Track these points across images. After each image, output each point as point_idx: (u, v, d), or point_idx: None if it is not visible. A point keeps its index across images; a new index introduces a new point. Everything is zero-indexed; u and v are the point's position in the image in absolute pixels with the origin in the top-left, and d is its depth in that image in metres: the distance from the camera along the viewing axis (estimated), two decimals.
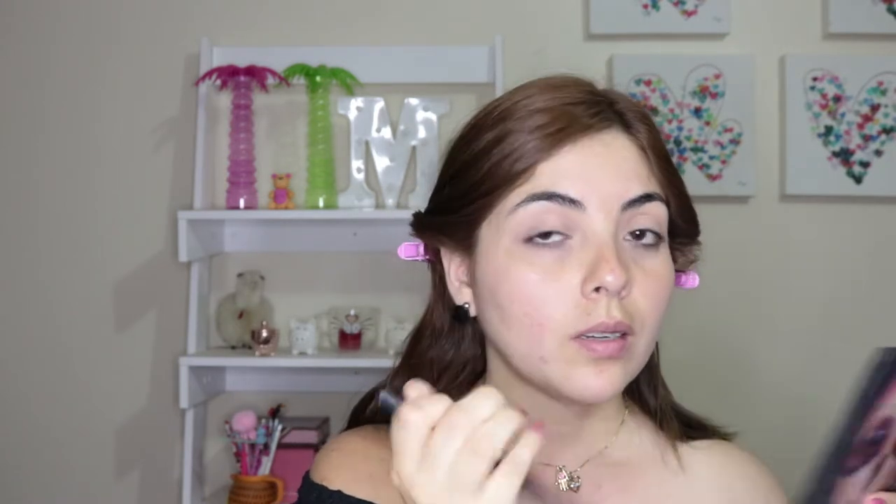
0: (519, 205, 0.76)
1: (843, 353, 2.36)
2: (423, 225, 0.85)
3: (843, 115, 2.36)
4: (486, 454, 0.63)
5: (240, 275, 2.32)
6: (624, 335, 0.75)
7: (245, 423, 2.15)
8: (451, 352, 0.88)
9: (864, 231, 2.39)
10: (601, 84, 0.84)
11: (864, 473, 0.61)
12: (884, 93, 2.36)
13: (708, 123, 2.37)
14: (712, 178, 2.36)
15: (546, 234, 0.76)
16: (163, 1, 2.40)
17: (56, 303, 2.39)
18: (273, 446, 2.17)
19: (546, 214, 0.76)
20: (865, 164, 2.36)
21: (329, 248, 2.36)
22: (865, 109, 2.36)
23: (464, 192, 0.80)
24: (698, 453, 0.88)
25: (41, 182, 2.40)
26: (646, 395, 0.89)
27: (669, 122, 2.37)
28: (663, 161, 0.81)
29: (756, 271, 2.38)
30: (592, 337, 0.75)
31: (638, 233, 0.78)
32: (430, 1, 2.40)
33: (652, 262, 0.78)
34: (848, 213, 2.38)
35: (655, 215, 0.78)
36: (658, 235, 0.79)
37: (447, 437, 0.63)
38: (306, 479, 0.85)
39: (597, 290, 0.74)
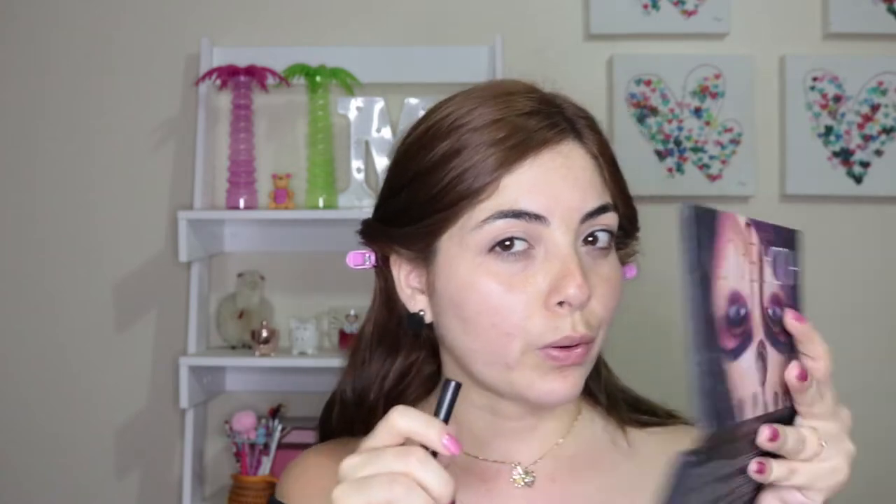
0: (484, 221, 0.77)
1: (843, 353, 2.36)
2: (375, 233, 0.86)
3: (843, 115, 2.36)
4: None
5: (240, 275, 2.32)
6: (587, 342, 0.78)
7: (245, 423, 2.16)
8: (396, 356, 0.90)
9: (864, 231, 2.39)
10: (545, 87, 0.85)
11: (747, 360, 0.59)
12: (884, 93, 2.36)
13: (708, 123, 2.37)
14: (712, 178, 2.36)
15: (510, 244, 0.77)
16: (163, 1, 2.40)
17: (56, 303, 2.39)
18: (273, 446, 2.17)
19: (510, 229, 0.77)
20: (865, 164, 2.36)
21: (329, 248, 2.36)
22: (865, 109, 2.36)
23: (421, 205, 0.80)
24: (652, 436, 0.89)
25: (41, 182, 2.40)
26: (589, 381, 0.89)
27: (669, 122, 2.37)
28: (612, 167, 0.83)
29: None
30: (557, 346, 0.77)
31: (591, 238, 0.80)
32: (430, 1, 2.40)
33: (605, 268, 0.80)
34: (848, 213, 2.38)
35: (608, 224, 0.81)
36: (610, 239, 0.81)
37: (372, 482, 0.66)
38: (270, 497, 0.90)
39: (560, 303, 0.76)
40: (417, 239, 0.81)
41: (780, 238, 0.65)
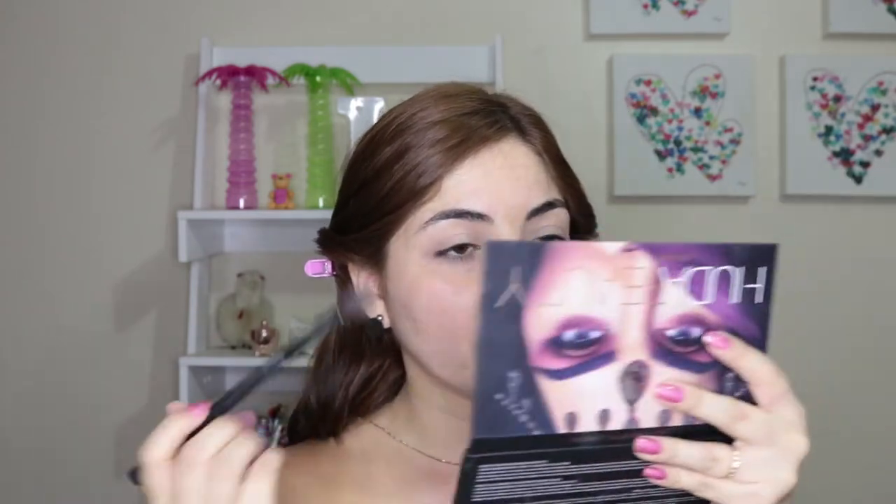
0: (428, 222, 0.77)
1: (843, 353, 2.36)
2: (330, 242, 0.86)
3: (843, 115, 2.36)
4: (228, 477, 0.66)
5: (240, 275, 2.32)
6: None
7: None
8: (360, 363, 0.90)
9: (864, 231, 2.39)
10: (491, 89, 0.85)
11: (595, 378, 0.62)
12: (884, 93, 2.36)
13: (708, 123, 2.37)
14: (712, 178, 2.36)
15: (456, 248, 0.77)
16: (163, 1, 2.41)
17: (56, 303, 2.39)
18: (273, 446, 2.16)
19: (454, 230, 0.77)
20: (865, 164, 2.36)
21: None
22: (865, 109, 2.36)
23: (369, 210, 0.81)
24: None
25: (41, 182, 2.40)
26: None
27: (669, 121, 2.37)
28: (559, 164, 0.83)
29: None
30: None
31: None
32: (430, 1, 2.40)
33: None
34: (848, 213, 2.38)
35: (557, 221, 0.80)
36: (560, 239, 0.80)
37: (187, 475, 0.66)
38: None
39: None
40: (367, 244, 0.82)
41: (715, 257, 0.64)
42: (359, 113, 2.31)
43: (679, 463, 0.64)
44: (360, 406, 0.89)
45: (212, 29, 2.37)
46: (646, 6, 2.37)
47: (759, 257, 0.66)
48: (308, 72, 2.27)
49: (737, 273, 0.65)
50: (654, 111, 2.37)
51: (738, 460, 0.64)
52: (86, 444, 2.38)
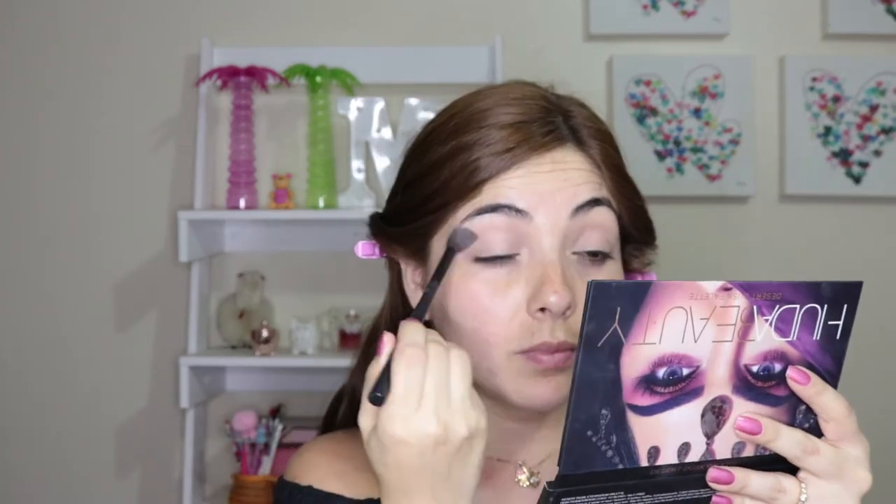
0: (466, 219, 0.77)
1: None
2: (378, 230, 0.87)
3: (842, 115, 2.37)
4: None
5: (240, 275, 2.32)
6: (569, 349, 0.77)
7: (245, 422, 2.16)
8: None
9: (863, 231, 2.39)
10: (561, 90, 0.85)
11: (679, 414, 0.63)
12: (883, 93, 2.36)
13: (707, 124, 2.37)
14: (712, 178, 2.37)
15: (497, 257, 0.77)
16: (163, 1, 2.41)
17: (57, 303, 2.39)
18: (273, 446, 2.17)
19: (494, 230, 0.76)
20: (864, 165, 2.36)
21: (329, 248, 2.36)
22: (864, 110, 2.37)
23: (415, 206, 0.81)
24: None
25: (41, 182, 2.40)
26: None
27: (669, 122, 2.37)
28: (616, 174, 0.82)
29: (755, 271, 2.38)
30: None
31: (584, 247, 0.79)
32: (430, 1, 2.40)
33: (599, 275, 0.79)
34: (847, 213, 2.39)
35: (603, 224, 0.79)
36: (604, 254, 0.79)
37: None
38: (279, 479, 0.89)
39: (542, 309, 0.75)
40: (412, 239, 0.83)
41: (803, 295, 0.65)
42: (359, 113, 2.31)
43: (749, 493, 0.66)
44: None
45: (212, 29, 2.37)
46: (645, 7, 2.37)
47: (844, 295, 0.67)
48: (308, 72, 2.27)
49: (822, 310, 0.66)
50: (654, 111, 2.37)
51: (806, 493, 0.66)
52: (86, 444, 2.38)
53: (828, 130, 2.37)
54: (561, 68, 2.36)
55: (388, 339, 0.70)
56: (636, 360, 0.62)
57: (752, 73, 2.37)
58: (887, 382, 2.36)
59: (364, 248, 0.89)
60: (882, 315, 2.37)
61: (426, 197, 0.80)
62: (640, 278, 0.87)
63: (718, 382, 0.65)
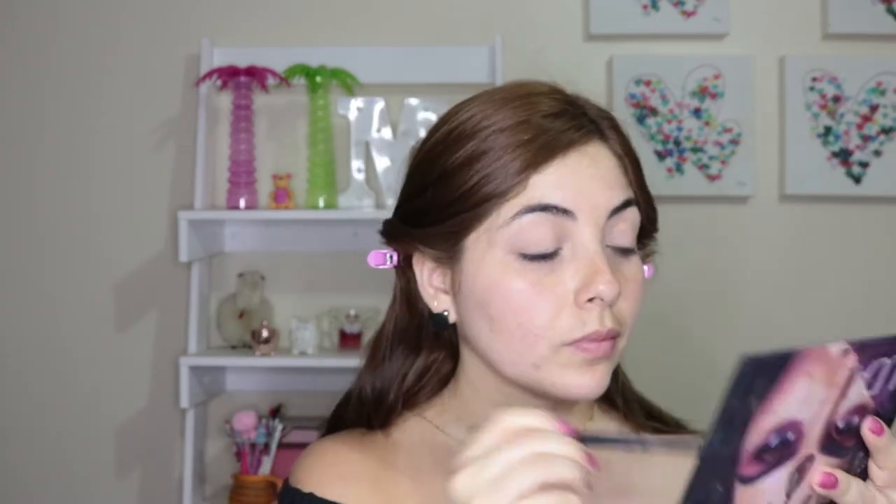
0: (513, 217, 0.77)
1: None
2: (398, 233, 0.85)
3: (842, 115, 2.37)
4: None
5: (240, 275, 2.33)
6: (614, 337, 0.78)
7: (245, 422, 2.16)
8: (417, 355, 0.89)
9: (863, 231, 2.39)
10: (568, 88, 0.86)
11: (773, 478, 0.61)
12: (883, 93, 2.36)
13: (707, 124, 2.37)
14: (712, 178, 2.37)
15: (542, 255, 0.77)
16: (163, 1, 2.41)
17: (57, 303, 2.39)
18: (273, 446, 2.17)
19: (539, 227, 0.77)
20: (864, 165, 2.36)
21: (329, 248, 2.36)
22: (864, 110, 2.37)
23: (447, 204, 0.80)
24: None
25: (41, 182, 2.40)
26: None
27: (669, 122, 2.37)
28: (635, 165, 0.84)
29: (755, 271, 2.38)
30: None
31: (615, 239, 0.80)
32: (431, 1, 2.40)
33: (629, 268, 0.81)
34: (847, 213, 2.39)
35: (632, 221, 0.81)
36: (633, 238, 0.82)
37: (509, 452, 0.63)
38: (284, 483, 0.89)
39: (590, 299, 0.76)
40: (443, 239, 0.81)
41: (894, 348, 0.65)
42: (359, 113, 2.31)
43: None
44: (411, 399, 0.89)
45: (212, 29, 2.37)
46: (645, 7, 2.37)
47: None
48: (308, 72, 2.27)
49: None
50: (654, 111, 2.37)
51: None
52: (86, 444, 2.38)
53: (828, 130, 2.37)
54: (561, 68, 2.35)
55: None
56: (758, 430, 0.59)
57: (752, 73, 2.37)
58: None
59: (375, 258, 0.87)
60: (882, 315, 2.37)
61: (462, 194, 0.79)
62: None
63: (812, 443, 0.63)
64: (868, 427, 0.66)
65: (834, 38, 2.39)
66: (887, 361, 0.65)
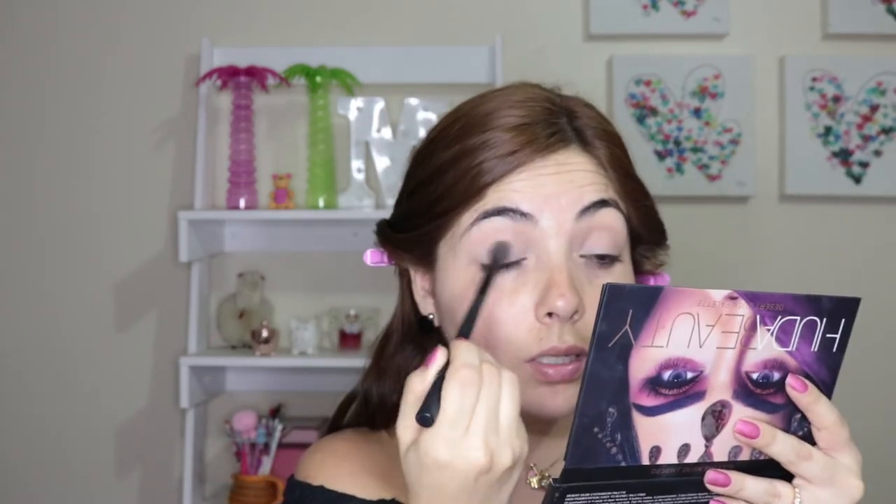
0: (472, 224, 0.77)
1: None
2: (385, 236, 0.86)
3: (842, 115, 2.37)
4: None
5: (240, 275, 2.33)
6: (578, 356, 0.76)
7: (245, 422, 2.16)
8: (419, 357, 0.89)
9: (863, 231, 2.39)
10: (568, 89, 0.84)
11: (681, 416, 0.66)
12: (883, 93, 2.36)
13: (707, 124, 2.37)
14: (712, 178, 2.37)
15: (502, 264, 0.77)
16: (163, 1, 2.41)
17: (57, 303, 2.39)
18: (273, 446, 2.17)
19: (498, 234, 0.76)
20: (865, 165, 2.36)
21: (329, 248, 2.36)
22: (865, 110, 2.37)
23: (421, 211, 0.81)
24: None
25: (41, 182, 2.40)
26: None
27: (669, 122, 2.37)
28: (623, 175, 0.82)
29: (755, 271, 2.38)
30: (546, 361, 0.76)
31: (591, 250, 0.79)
32: (430, 1, 2.40)
33: (610, 278, 0.78)
34: (847, 213, 2.39)
35: (611, 226, 0.78)
36: (612, 257, 0.79)
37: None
38: (290, 479, 0.88)
39: (549, 314, 0.75)
40: (418, 245, 0.82)
41: (804, 307, 0.68)
42: (359, 113, 2.31)
43: (744, 497, 0.68)
44: None
45: (212, 29, 2.37)
46: (645, 7, 2.37)
47: (842, 309, 0.70)
48: (308, 72, 2.27)
49: (821, 323, 0.69)
50: (654, 111, 2.37)
51: (799, 498, 0.68)
52: (86, 444, 2.38)
53: (828, 130, 2.37)
54: (561, 68, 2.36)
55: (441, 354, 0.68)
56: (644, 361, 0.64)
57: (752, 73, 2.37)
58: (888, 382, 2.36)
59: (373, 256, 0.88)
60: (882, 315, 2.37)
61: (431, 202, 0.79)
62: (652, 280, 0.87)
63: (720, 387, 0.67)
64: (789, 384, 0.68)
65: (834, 38, 2.39)
66: (798, 320, 0.68)
